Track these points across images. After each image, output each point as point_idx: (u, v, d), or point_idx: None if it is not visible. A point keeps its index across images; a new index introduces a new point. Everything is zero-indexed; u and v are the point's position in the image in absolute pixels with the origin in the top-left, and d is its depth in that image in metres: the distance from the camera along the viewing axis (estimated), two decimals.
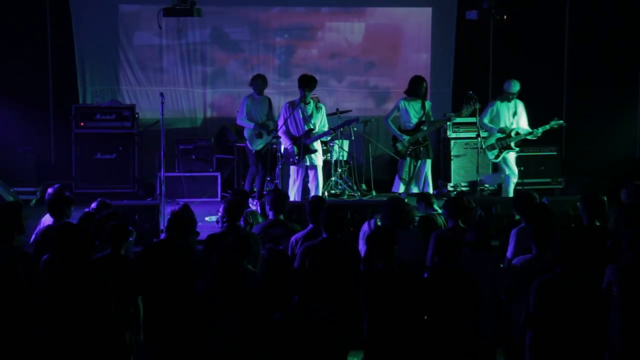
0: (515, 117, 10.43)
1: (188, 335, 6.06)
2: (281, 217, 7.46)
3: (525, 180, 11.05)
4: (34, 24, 11.93)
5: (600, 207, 6.95)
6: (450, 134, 11.83)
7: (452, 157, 11.79)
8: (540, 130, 10.32)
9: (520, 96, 10.43)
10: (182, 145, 11.66)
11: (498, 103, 10.45)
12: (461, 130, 11.76)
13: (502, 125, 10.39)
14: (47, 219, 7.41)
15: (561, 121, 10.32)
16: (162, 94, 9.56)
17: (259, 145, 10.65)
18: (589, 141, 10.83)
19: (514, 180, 10.52)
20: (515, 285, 5.97)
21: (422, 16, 12.94)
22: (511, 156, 10.51)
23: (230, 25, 12.63)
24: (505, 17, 10.71)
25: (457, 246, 5.91)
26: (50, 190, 7.78)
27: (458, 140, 11.83)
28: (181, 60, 12.50)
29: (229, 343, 5.83)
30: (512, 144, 10.43)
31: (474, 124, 10.88)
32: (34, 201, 11.02)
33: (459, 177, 11.81)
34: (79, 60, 12.11)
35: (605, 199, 7.13)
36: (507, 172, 10.52)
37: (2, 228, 6.09)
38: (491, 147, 10.50)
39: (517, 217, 7.31)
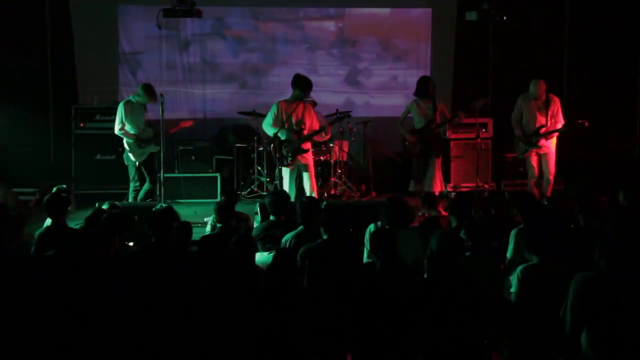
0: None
1: (189, 338, 6.03)
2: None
3: (525, 181, 11.05)
4: (34, 25, 11.93)
5: (596, 208, 6.94)
6: (450, 134, 11.82)
7: (452, 158, 11.78)
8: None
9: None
10: (182, 146, 11.65)
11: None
12: (461, 131, 11.75)
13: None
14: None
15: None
16: (161, 95, 9.60)
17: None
18: (588, 141, 10.83)
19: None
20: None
21: (422, 17, 12.95)
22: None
23: (231, 25, 12.63)
24: (505, 17, 10.71)
25: (458, 246, 5.90)
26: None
27: (458, 141, 11.81)
28: (181, 61, 12.50)
29: (237, 342, 5.72)
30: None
31: (473, 124, 10.90)
32: (33, 202, 11.01)
33: (458, 178, 11.80)
34: (78, 60, 12.11)
35: (605, 199, 7.13)
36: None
37: None
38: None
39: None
